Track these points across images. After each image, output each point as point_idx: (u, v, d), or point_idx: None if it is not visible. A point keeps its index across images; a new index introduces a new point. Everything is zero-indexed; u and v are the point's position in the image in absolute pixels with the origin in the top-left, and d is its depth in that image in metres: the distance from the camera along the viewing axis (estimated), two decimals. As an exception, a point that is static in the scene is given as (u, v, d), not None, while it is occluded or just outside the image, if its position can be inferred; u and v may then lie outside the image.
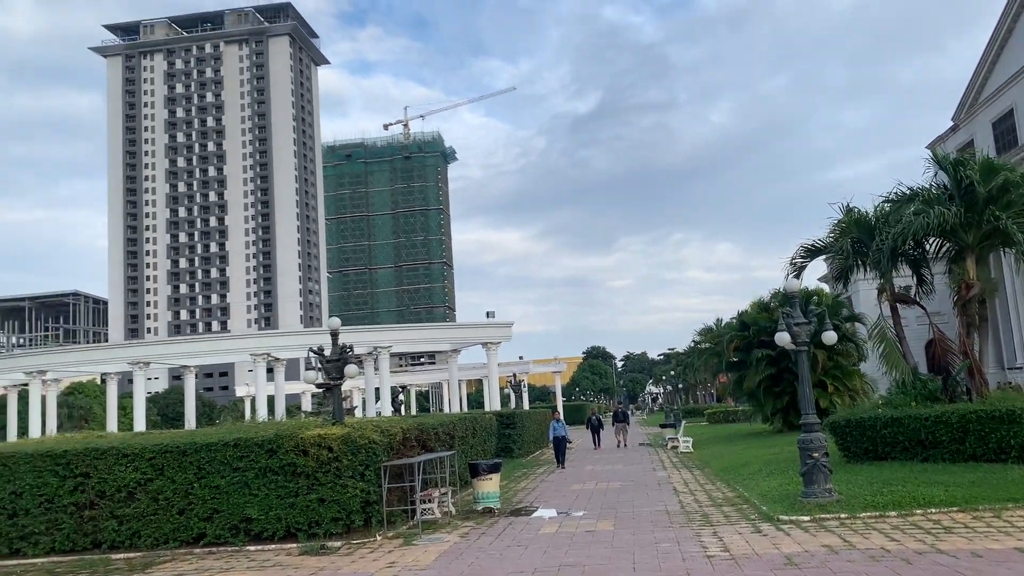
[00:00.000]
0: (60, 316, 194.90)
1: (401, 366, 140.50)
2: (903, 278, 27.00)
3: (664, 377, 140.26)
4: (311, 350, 18.61)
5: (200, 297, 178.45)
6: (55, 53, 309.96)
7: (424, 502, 17.05)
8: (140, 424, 50.19)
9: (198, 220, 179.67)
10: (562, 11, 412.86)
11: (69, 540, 15.71)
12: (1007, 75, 49.66)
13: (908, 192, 24.22)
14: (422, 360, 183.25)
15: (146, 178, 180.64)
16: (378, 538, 15.25)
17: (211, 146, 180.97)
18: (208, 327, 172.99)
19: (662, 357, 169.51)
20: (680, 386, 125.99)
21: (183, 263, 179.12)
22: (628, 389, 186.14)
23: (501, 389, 63.91)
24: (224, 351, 59.51)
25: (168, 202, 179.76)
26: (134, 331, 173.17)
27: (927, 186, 24.32)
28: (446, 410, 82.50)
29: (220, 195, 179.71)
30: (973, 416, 18.94)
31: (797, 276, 25.57)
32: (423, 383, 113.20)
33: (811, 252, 26.36)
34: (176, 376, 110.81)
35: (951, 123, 56.97)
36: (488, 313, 53.58)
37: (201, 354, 57.33)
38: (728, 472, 23.99)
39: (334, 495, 15.28)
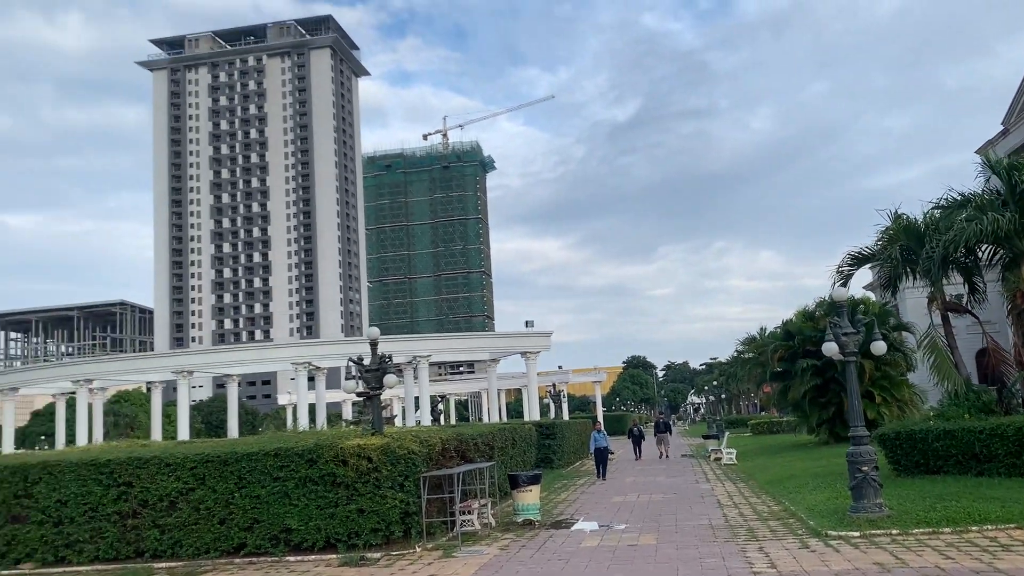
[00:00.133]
0: (107, 325, 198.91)
1: (440, 375, 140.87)
2: (954, 286, 26.30)
3: (706, 387, 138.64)
4: (350, 359, 18.60)
5: (244, 306, 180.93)
6: (103, 68, 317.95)
7: (463, 513, 16.90)
8: (184, 432, 50.86)
9: (241, 231, 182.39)
10: (601, 19, 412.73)
11: (112, 548, 15.82)
12: (1060, 77, 48.33)
13: (959, 198, 23.62)
14: (461, 369, 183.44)
15: (191, 189, 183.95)
16: (417, 550, 15.12)
17: (254, 157, 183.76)
18: (251, 336, 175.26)
19: (704, 367, 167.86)
20: (723, 396, 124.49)
21: (227, 273, 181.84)
22: (669, 399, 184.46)
23: (540, 399, 63.64)
24: (266, 360, 60.09)
25: (212, 213, 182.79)
26: (179, 340, 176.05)
27: (978, 191, 23.68)
28: (485, 419, 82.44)
29: (263, 206, 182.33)
30: (1031, 429, 18.31)
31: (844, 284, 25.07)
32: (462, 392, 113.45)
33: (858, 260, 25.82)
34: (220, 384, 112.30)
35: (1001, 127, 55.65)
36: (527, 322, 53.35)
37: (243, 363, 57.97)
38: (773, 485, 23.48)
39: (373, 506, 15.19)
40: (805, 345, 35.77)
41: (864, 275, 49.54)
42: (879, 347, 17.67)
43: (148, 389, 69.37)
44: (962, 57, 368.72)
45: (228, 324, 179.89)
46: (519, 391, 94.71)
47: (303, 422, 48.25)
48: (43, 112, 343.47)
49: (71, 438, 55.52)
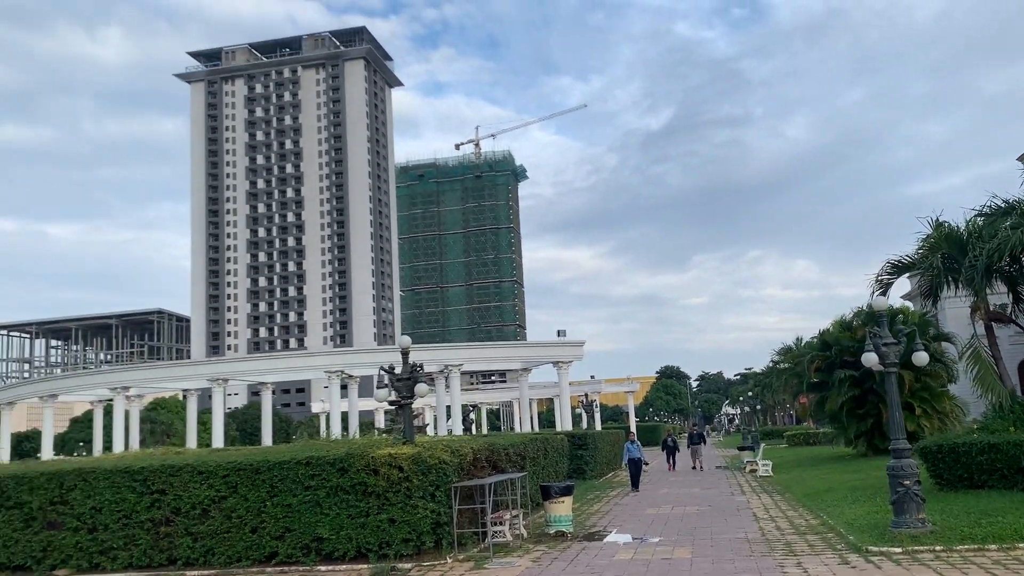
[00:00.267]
0: (145, 333, 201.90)
1: (472, 384, 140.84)
2: (997, 295, 25.67)
3: (741, 398, 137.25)
4: (382, 368, 18.55)
5: (278, 315, 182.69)
6: (142, 81, 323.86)
7: (495, 524, 16.74)
8: (218, 440, 51.28)
9: (276, 240, 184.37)
10: (634, 28, 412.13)
11: (146, 556, 15.88)
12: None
13: (1003, 205, 23.07)
14: (493, 378, 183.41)
15: (227, 199, 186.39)
16: (449, 561, 14.98)
17: (289, 167, 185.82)
18: (286, 344, 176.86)
19: (738, 377, 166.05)
20: (758, 407, 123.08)
21: (262, 282, 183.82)
22: (703, 410, 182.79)
23: (573, 408, 63.27)
24: (299, 368, 60.51)
25: (248, 223, 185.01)
26: (215, 348, 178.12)
27: (1022, 198, 23.09)
28: (517, 429, 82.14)
29: (298, 216, 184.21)
30: (1079, 443, 17.75)
31: (884, 293, 24.62)
32: (494, 401, 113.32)
33: (898, 268, 25.32)
34: (255, 392, 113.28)
35: (1045, 133, 54.41)
36: (559, 332, 53.31)
37: (277, 371, 58.42)
38: (811, 498, 23.00)
39: (404, 516, 15.08)
40: (842, 355, 35.17)
41: (902, 285, 48.62)
42: (921, 358, 17.22)
43: (184, 397, 70.25)
44: (1004, 62, 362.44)
45: (263, 332, 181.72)
46: (551, 401, 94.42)
47: (336, 430, 48.41)
48: (84, 124, 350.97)
49: (108, 445, 56.28)
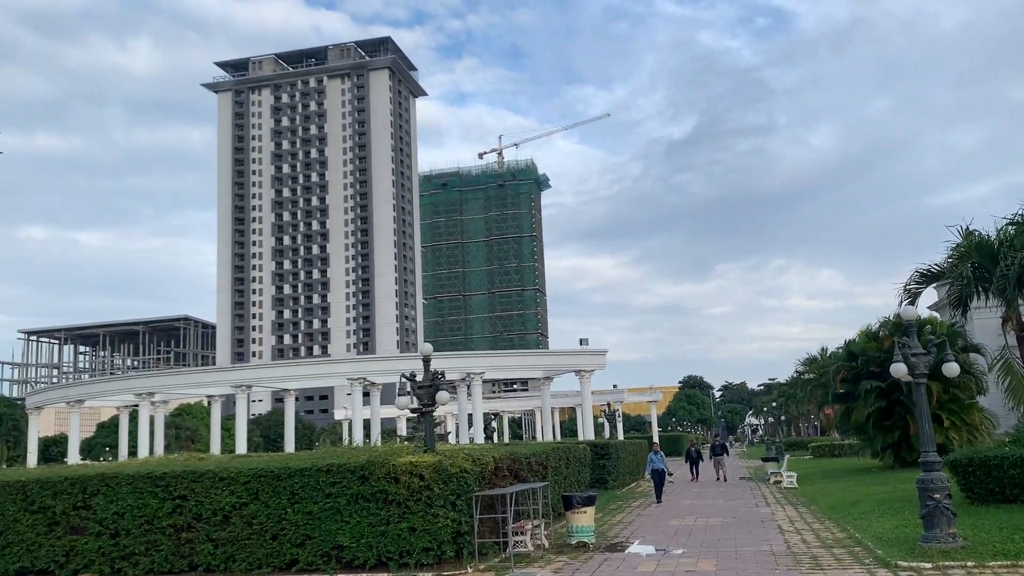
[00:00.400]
0: (171, 340, 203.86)
1: (494, 392, 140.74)
2: (1029, 306, 25.14)
3: (765, 408, 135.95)
4: (403, 376, 18.50)
5: (302, 322, 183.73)
6: (171, 90, 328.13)
7: (516, 534, 16.58)
8: (242, 446, 51.49)
9: (301, 248, 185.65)
10: (657, 37, 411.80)
11: (167, 561, 15.91)
12: None
13: (1035, 214, 22.60)
14: (515, 387, 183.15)
15: (253, 208, 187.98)
16: (469, 570, 14.86)
17: (314, 176, 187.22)
18: (310, 351, 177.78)
19: (762, 387, 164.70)
20: (782, 418, 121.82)
21: (287, 289, 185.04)
22: (726, 420, 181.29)
23: (595, 418, 62.98)
24: (322, 375, 60.63)
25: (273, 231, 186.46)
26: (240, 355, 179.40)
27: (1056, 207, 22.65)
28: (539, 438, 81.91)
29: (322, 224, 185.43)
30: (1115, 457, 17.31)
31: (912, 303, 24.17)
32: (516, 410, 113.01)
33: (927, 278, 24.88)
34: (278, 398, 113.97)
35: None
36: (581, 340, 53.04)
37: (300, 378, 58.62)
38: (837, 511, 22.62)
39: (425, 524, 14.99)
40: (869, 366, 34.67)
41: (928, 296, 47.91)
42: (951, 369, 16.90)
43: (208, 403, 70.67)
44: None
45: (287, 339, 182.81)
46: (573, 410, 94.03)
47: (358, 437, 48.44)
48: (114, 133, 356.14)
49: (133, 450, 56.71)
